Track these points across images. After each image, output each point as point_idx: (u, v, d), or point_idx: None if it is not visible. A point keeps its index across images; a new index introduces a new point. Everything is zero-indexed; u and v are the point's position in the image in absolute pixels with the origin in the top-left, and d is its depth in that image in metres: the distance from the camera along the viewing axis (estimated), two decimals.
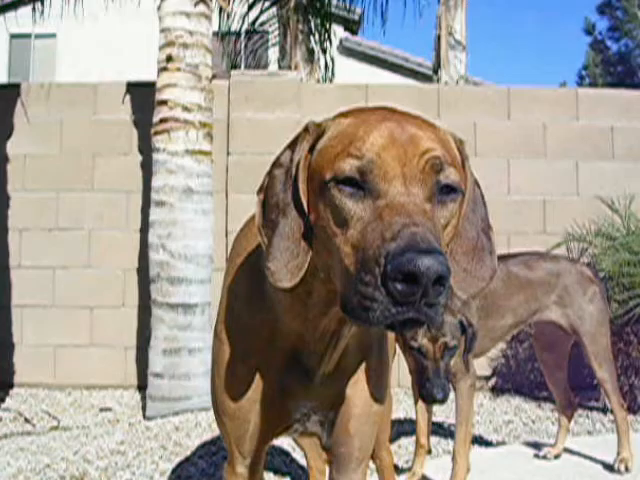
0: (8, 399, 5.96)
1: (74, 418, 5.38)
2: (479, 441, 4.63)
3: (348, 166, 1.38)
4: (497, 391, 6.42)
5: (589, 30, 24.66)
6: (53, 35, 16.72)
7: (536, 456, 4.22)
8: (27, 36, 16.68)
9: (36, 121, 6.71)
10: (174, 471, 3.95)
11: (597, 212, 6.17)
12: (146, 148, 6.06)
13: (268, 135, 6.36)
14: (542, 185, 6.71)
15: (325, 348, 1.70)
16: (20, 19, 8.38)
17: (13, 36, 16.56)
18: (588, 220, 6.13)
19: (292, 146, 1.58)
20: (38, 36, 16.75)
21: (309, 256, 1.51)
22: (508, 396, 6.25)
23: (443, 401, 2.95)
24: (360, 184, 1.37)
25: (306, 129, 1.55)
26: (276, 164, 1.61)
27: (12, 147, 6.59)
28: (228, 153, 6.39)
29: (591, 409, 5.56)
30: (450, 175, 1.40)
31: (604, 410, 5.42)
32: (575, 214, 6.31)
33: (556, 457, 4.17)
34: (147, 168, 6.04)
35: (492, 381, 6.55)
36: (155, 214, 5.49)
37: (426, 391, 2.91)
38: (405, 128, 1.44)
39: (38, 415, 5.49)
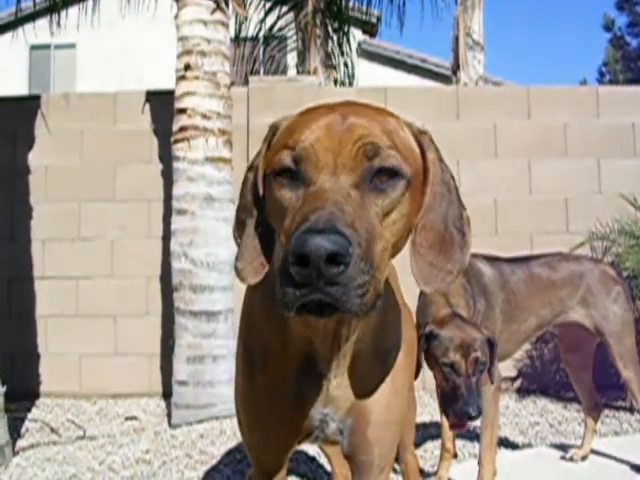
0: (34, 409, 5.99)
1: (100, 427, 5.40)
2: (505, 444, 4.61)
3: (284, 157, 1.44)
4: (523, 392, 6.38)
5: (608, 26, 24.51)
6: (73, 45, 16.84)
7: (563, 458, 4.19)
8: (47, 47, 16.81)
9: (57, 132, 6.75)
10: (199, 478, 3.96)
11: (620, 210, 6.11)
12: (166, 156, 6.07)
13: None
14: (564, 184, 6.66)
15: (330, 351, 1.69)
16: (39, 30, 8.41)
17: (33, 47, 16.68)
18: (611, 218, 6.08)
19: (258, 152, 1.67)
20: (58, 46, 16.88)
21: (262, 259, 1.59)
22: (534, 397, 6.21)
23: (476, 417, 2.93)
24: (295, 174, 1.43)
25: (269, 129, 1.64)
26: (249, 167, 1.69)
27: (34, 158, 6.61)
28: (248, 160, 6.40)
29: (618, 409, 5.52)
30: (387, 159, 1.41)
31: (631, 410, 5.38)
32: (598, 212, 6.26)
33: (583, 459, 4.14)
34: (168, 176, 6.06)
35: (518, 382, 6.51)
36: (176, 222, 5.50)
37: (460, 408, 2.89)
38: (347, 119, 1.46)
39: (64, 425, 5.51)
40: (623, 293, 3.91)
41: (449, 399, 2.95)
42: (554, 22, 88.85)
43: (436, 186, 1.55)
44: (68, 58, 17.33)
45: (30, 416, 5.70)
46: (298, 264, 1.22)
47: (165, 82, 7.26)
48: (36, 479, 4.14)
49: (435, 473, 3.81)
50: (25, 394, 6.14)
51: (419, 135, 1.58)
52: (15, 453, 4.62)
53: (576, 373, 4.18)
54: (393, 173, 1.42)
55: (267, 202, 1.56)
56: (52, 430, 5.33)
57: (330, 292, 1.23)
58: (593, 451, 4.22)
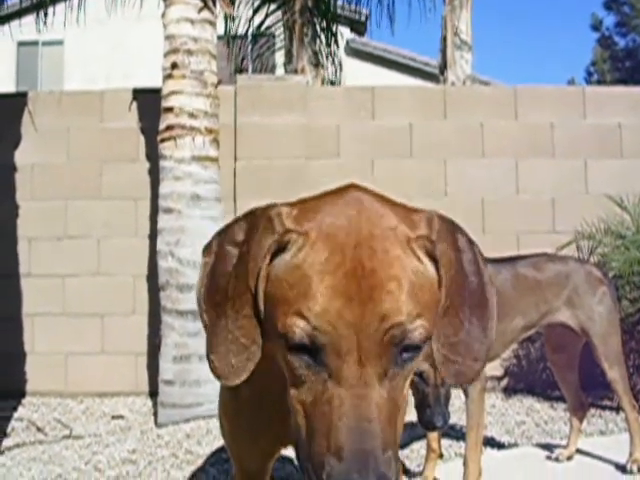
0: (20, 408, 5.97)
1: (86, 426, 5.39)
2: (491, 443, 4.62)
3: (298, 330, 1.26)
4: (509, 391, 6.39)
5: (596, 26, 24.67)
6: (60, 42, 16.79)
7: (548, 458, 4.19)
8: (34, 43, 16.74)
9: (43, 130, 6.71)
10: (185, 478, 3.96)
11: (606, 210, 6.14)
12: (153, 155, 6.07)
13: (275, 139, 6.37)
14: (551, 184, 6.68)
15: None
16: (25, 27, 8.38)
17: (20, 44, 16.61)
18: (597, 219, 6.11)
19: (250, 231, 1.44)
20: (45, 43, 16.83)
21: (257, 357, 1.41)
22: (520, 396, 6.23)
23: (442, 427, 2.96)
24: (313, 351, 1.27)
25: (270, 220, 1.39)
26: (227, 238, 1.49)
27: (20, 156, 6.59)
28: (235, 159, 6.40)
29: (604, 408, 5.54)
30: (415, 336, 1.28)
31: (617, 409, 5.39)
32: (584, 213, 6.28)
33: (568, 459, 4.15)
34: (155, 175, 6.04)
35: (504, 382, 6.53)
36: (163, 221, 5.49)
37: (426, 418, 2.91)
38: (365, 271, 1.28)
39: (50, 424, 5.49)
40: (609, 294, 3.92)
41: (417, 406, 2.97)
42: (543, 22, 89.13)
43: (454, 281, 1.41)
44: (56, 55, 17.28)
45: (16, 415, 5.70)
46: None
47: (153, 80, 7.25)
48: (22, 479, 4.13)
49: (421, 473, 3.82)
50: (11, 393, 6.13)
51: (431, 250, 1.38)
52: (0, 452, 4.62)
53: (562, 373, 4.20)
54: (419, 345, 1.30)
55: (272, 339, 1.37)
56: (38, 429, 5.32)
57: None
58: (579, 451, 4.23)
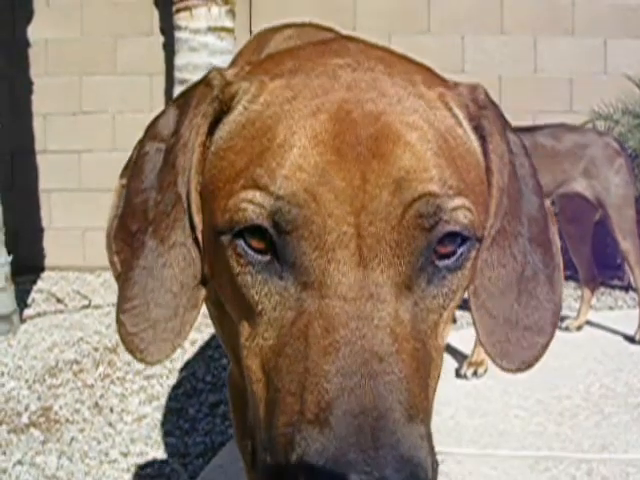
0: (39, 281, 6.07)
1: (105, 297, 5.49)
2: None
3: (251, 207, 0.82)
4: None
5: None
6: None
7: (559, 328, 4.27)
8: None
9: (56, 5, 6.61)
10: (204, 339, 4.09)
11: (625, 91, 6.06)
12: (168, 28, 5.99)
13: (292, 9, 6.26)
14: (569, 63, 6.57)
15: None
16: None
17: None
18: (615, 99, 6.03)
19: (182, 107, 1.01)
20: None
21: (196, 313, 0.99)
22: None
23: None
24: (276, 246, 0.84)
25: (208, 84, 0.98)
26: (151, 133, 1.05)
27: (33, 32, 6.50)
28: (251, 30, 6.32)
29: (613, 287, 5.60)
30: (454, 219, 0.84)
31: (627, 288, 5.46)
32: (602, 93, 6.19)
33: (578, 329, 4.25)
34: (169, 49, 5.98)
35: None
36: (178, 93, 5.44)
37: None
38: (367, 114, 0.87)
39: (69, 295, 5.60)
40: (625, 166, 3.93)
41: None
42: None
43: (507, 193, 0.99)
44: None
45: (35, 288, 5.79)
46: None
47: None
48: (44, 343, 4.26)
49: None
50: (29, 268, 6.19)
51: (476, 116, 0.98)
52: (22, 321, 4.73)
53: (575, 245, 4.24)
54: (461, 238, 0.87)
55: (211, 254, 0.95)
56: (58, 300, 5.43)
57: None
58: (588, 322, 4.32)
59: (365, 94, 0.89)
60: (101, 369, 3.80)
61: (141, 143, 1.05)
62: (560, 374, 3.42)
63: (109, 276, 6.26)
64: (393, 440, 0.71)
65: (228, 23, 5.48)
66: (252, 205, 0.82)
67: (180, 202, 0.96)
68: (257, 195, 0.82)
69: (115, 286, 1.00)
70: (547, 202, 1.07)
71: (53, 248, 6.62)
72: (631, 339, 4.01)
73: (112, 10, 6.59)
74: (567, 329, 4.23)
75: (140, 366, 3.79)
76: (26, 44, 6.47)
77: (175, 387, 3.60)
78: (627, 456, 2.66)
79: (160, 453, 2.93)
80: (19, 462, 2.87)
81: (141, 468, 2.82)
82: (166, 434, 3.08)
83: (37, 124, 6.59)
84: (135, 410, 3.33)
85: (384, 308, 0.80)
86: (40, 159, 6.55)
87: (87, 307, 5.18)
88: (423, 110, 0.90)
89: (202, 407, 3.34)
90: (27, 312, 4.99)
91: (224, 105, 0.94)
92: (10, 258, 4.60)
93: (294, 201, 0.80)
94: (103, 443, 3.01)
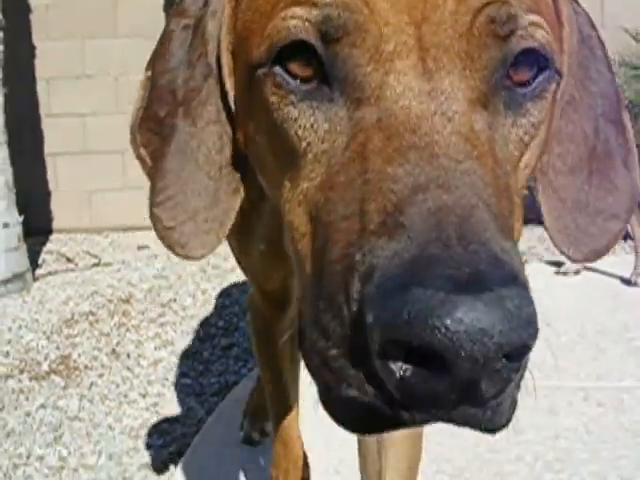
0: (49, 243, 6.17)
1: (114, 256, 5.60)
2: None
3: (294, 23, 0.72)
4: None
5: None
6: None
7: (557, 273, 4.40)
8: None
9: None
10: (214, 289, 4.21)
11: (622, 43, 6.14)
12: None
13: None
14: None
15: None
16: None
17: None
18: (613, 51, 6.11)
19: None
20: None
21: (238, 198, 0.91)
22: (532, 226, 6.39)
23: None
24: (323, 67, 0.72)
25: None
26: (178, 11, 0.96)
27: None
28: None
29: None
30: (531, 33, 0.73)
31: (625, 237, 5.57)
32: None
33: (576, 273, 4.36)
34: (169, 9, 6.03)
35: None
36: None
37: None
38: None
39: (79, 255, 5.70)
40: None
41: None
42: None
43: (576, 59, 0.89)
44: None
45: (45, 249, 5.90)
46: (419, 363, 0.55)
47: None
48: (58, 298, 4.39)
49: None
50: (37, 230, 6.30)
51: None
52: (35, 279, 4.86)
53: None
54: (540, 61, 0.75)
55: (246, 112, 0.85)
56: (68, 260, 5.54)
57: (474, 415, 0.59)
58: (586, 267, 4.43)
59: None
60: (116, 319, 3.94)
61: (167, 27, 0.95)
62: (557, 313, 3.55)
63: (117, 236, 6.39)
64: (484, 238, 0.58)
65: None
66: (294, 20, 0.72)
67: (212, 74, 0.88)
68: (299, 9, 0.72)
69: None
70: (617, 80, 0.93)
71: (60, 210, 6.71)
72: (627, 281, 4.13)
73: None
74: (565, 274, 4.34)
75: (154, 314, 3.94)
76: (27, 9, 6.53)
77: (188, 333, 3.74)
78: (622, 384, 2.80)
79: (177, 393, 3.07)
80: (42, 406, 3.01)
81: (160, 407, 2.96)
82: (182, 376, 3.23)
83: (41, 88, 6.66)
84: (151, 355, 3.48)
85: (457, 119, 0.67)
86: (45, 123, 6.63)
87: (97, 265, 5.29)
88: None
89: (215, 350, 3.49)
90: (39, 272, 5.10)
91: None
92: (21, 219, 4.73)
93: (343, 5, 0.69)
94: (122, 386, 3.15)
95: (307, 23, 0.71)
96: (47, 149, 6.62)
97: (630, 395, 2.69)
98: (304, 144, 0.74)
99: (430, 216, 0.58)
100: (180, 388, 3.10)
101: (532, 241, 5.74)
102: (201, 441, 2.56)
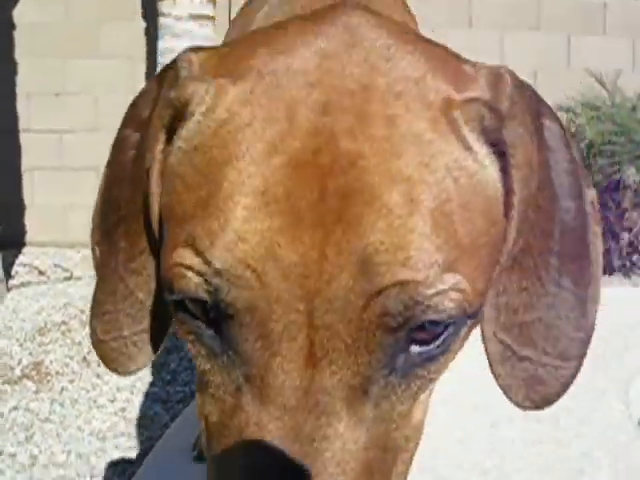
0: (21, 256, 6.27)
1: (85, 271, 5.71)
2: None
3: (189, 275, 0.69)
4: None
5: None
6: None
7: None
8: None
9: None
10: None
11: (586, 86, 6.38)
12: (150, 14, 6.24)
13: None
14: (534, 57, 6.89)
15: None
16: None
17: None
18: (576, 92, 6.35)
19: (156, 98, 0.86)
20: None
21: (168, 325, 0.89)
22: None
23: None
24: (218, 319, 0.71)
25: (176, 71, 0.82)
26: (130, 115, 0.95)
27: (18, 15, 6.70)
28: (230, 17, 6.53)
29: None
30: (440, 309, 0.68)
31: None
32: (565, 87, 6.51)
33: None
34: (151, 34, 6.23)
35: None
36: None
37: None
38: (338, 158, 0.68)
39: (51, 268, 5.81)
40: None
41: None
42: None
43: (531, 208, 0.80)
44: None
45: (18, 262, 6.00)
46: None
47: None
48: (31, 308, 4.51)
49: None
50: (11, 243, 6.39)
51: (496, 129, 0.76)
52: (8, 290, 4.97)
53: None
54: (447, 324, 0.71)
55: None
56: (40, 272, 5.64)
57: None
58: None
59: (344, 120, 0.69)
60: (87, 329, 4.04)
61: (122, 124, 0.95)
62: None
63: (88, 252, 6.46)
64: None
65: (209, 11, 5.74)
66: (192, 272, 0.69)
67: (148, 205, 0.83)
68: (197, 262, 0.68)
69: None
70: (592, 194, 0.87)
71: (34, 224, 6.81)
72: None
73: None
74: None
75: None
76: (11, 26, 6.66)
77: None
78: None
79: (144, 400, 3.22)
80: (15, 408, 3.15)
81: (127, 412, 3.11)
82: (149, 384, 3.38)
83: (21, 104, 6.79)
84: None
85: (330, 423, 0.67)
86: (23, 138, 6.75)
87: (69, 279, 5.41)
88: (417, 145, 0.69)
89: (182, 361, 3.65)
90: (12, 282, 5.21)
91: (179, 112, 0.78)
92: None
93: (233, 279, 0.66)
94: (91, 392, 3.30)
95: (202, 283, 0.69)
96: (25, 163, 6.73)
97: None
98: (205, 378, 0.75)
99: None
100: (147, 395, 3.26)
101: None
102: (164, 444, 2.71)
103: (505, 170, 0.76)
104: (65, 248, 6.61)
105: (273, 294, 0.66)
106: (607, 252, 5.84)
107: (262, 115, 0.70)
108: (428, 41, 0.83)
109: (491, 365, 0.83)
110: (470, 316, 0.72)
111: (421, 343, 0.71)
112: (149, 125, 0.83)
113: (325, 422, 0.66)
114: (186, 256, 0.69)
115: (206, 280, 0.68)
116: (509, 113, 0.77)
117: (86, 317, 4.25)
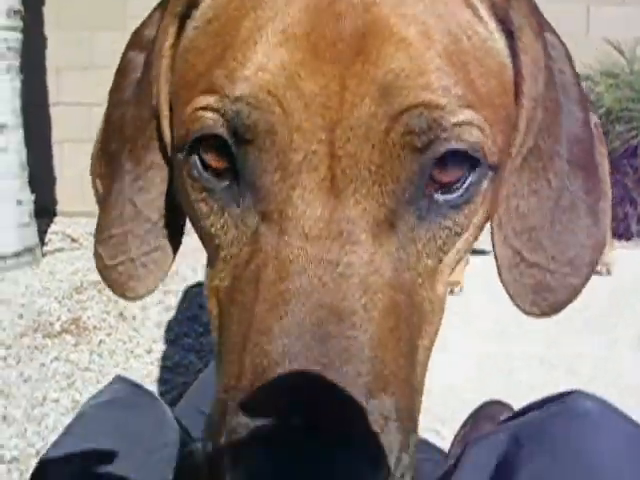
0: (53, 225, 6.44)
1: None
2: None
3: (208, 115, 0.70)
4: None
5: None
6: None
7: None
8: None
9: None
10: None
11: (605, 55, 6.47)
12: None
13: None
14: (553, 26, 6.96)
15: None
16: None
17: None
18: (595, 60, 6.44)
19: (164, 6, 0.88)
20: None
21: (178, 243, 0.90)
22: None
23: None
24: (234, 159, 0.71)
25: None
26: (135, 39, 0.96)
27: None
28: None
29: None
30: (461, 135, 0.68)
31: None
32: (584, 56, 6.58)
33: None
34: None
35: None
36: None
37: None
38: (355, 6, 0.69)
39: (83, 236, 6.00)
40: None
41: None
42: None
43: (542, 105, 0.81)
44: None
45: (50, 230, 6.18)
46: None
47: None
48: (66, 270, 4.68)
49: None
50: (44, 213, 6.58)
51: (503, 7, 0.79)
52: (43, 255, 5.17)
53: None
54: (470, 160, 0.72)
55: (175, 181, 0.84)
56: (72, 240, 5.83)
57: None
58: None
59: None
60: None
61: (124, 52, 0.96)
62: None
63: None
64: (346, 426, 0.58)
65: None
66: (208, 111, 0.69)
67: (154, 117, 0.85)
68: (213, 100, 0.69)
69: None
70: (594, 118, 0.88)
71: (65, 196, 6.98)
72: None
73: None
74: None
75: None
76: (39, 2, 6.81)
77: (189, 299, 4.07)
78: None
79: (179, 350, 3.40)
80: (56, 358, 3.31)
81: (163, 360, 3.28)
82: (183, 335, 3.55)
83: (50, 78, 6.97)
84: (155, 317, 3.80)
85: (355, 250, 0.66)
86: (53, 111, 6.92)
87: None
88: (432, 2, 0.71)
89: None
90: (46, 249, 5.41)
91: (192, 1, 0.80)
92: (33, 197, 5.04)
93: (254, 103, 0.66)
94: (128, 344, 3.47)
95: (220, 117, 0.69)
96: (55, 136, 6.90)
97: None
98: (217, 241, 0.74)
99: (293, 402, 0.59)
100: (182, 346, 3.43)
101: None
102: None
103: (513, 53, 0.79)
104: (95, 217, 6.74)
105: (294, 122, 0.66)
106: (625, 217, 5.94)
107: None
108: None
109: (500, 271, 0.83)
110: (491, 167, 0.73)
111: (444, 190, 0.71)
112: (158, 39, 0.85)
113: (350, 249, 0.65)
114: (202, 101, 0.70)
115: (224, 112, 0.68)
116: (515, 5, 0.80)
117: None
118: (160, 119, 0.83)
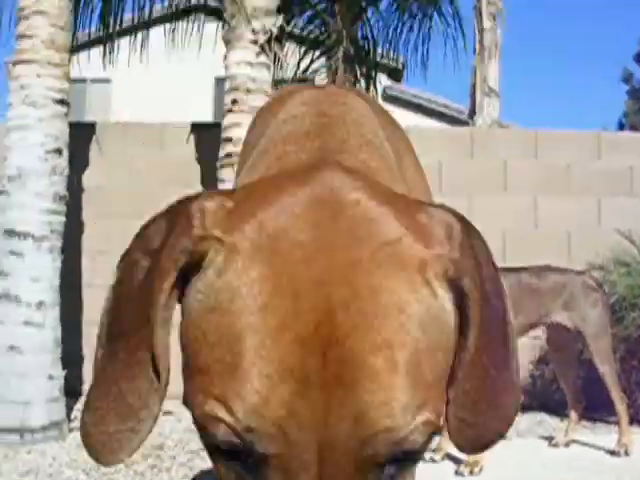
0: (78, 404, 6.54)
1: None
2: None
3: (223, 428, 0.83)
4: (525, 409, 6.74)
5: (627, 79, 25.35)
6: (108, 80, 17.37)
7: (549, 445, 4.92)
8: (82, 81, 17.35)
9: (108, 156, 7.47)
10: None
11: (616, 244, 6.74)
12: (206, 181, 6.85)
13: None
14: (567, 219, 7.36)
15: None
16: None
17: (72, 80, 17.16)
18: (608, 249, 6.68)
19: (167, 233, 0.95)
20: (94, 81, 17.43)
21: (146, 431, 0.96)
22: (534, 413, 6.62)
23: None
24: (246, 459, 0.85)
25: (188, 217, 0.92)
26: (140, 242, 1.01)
27: (87, 179, 7.32)
28: None
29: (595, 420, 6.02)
30: (413, 443, 0.84)
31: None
32: (597, 246, 6.86)
33: (566, 445, 4.83)
34: None
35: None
36: None
37: None
38: (335, 331, 0.82)
39: None
40: (601, 300, 4.64)
41: None
42: (575, 76, 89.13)
43: (482, 328, 0.95)
44: (104, 90, 17.90)
45: (76, 407, 6.29)
46: None
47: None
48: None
49: (436, 446, 4.50)
50: (71, 392, 6.72)
51: (456, 277, 0.92)
52: (70, 430, 5.29)
53: (562, 369, 4.92)
54: (417, 452, 0.88)
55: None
56: None
57: None
58: (574, 441, 4.89)
59: (338, 295, 0.83)
60: (149, 461, 4.36)
61: (131, 247, 1.01)
62: None
63: None
64: None
65: None
66: (224, 427, 0.82)
67: (149, 325, 0.92)
68: (227, 417, 0.81)
69: None
70: (504, 283, 1.05)
71: (90, 375, 7.09)
72: (612, 452, 4.62)
73: (157, 163, 7.45)
74: (556, 445, 4.85)
75: (184, 459, 4.34)
76: (81, 190, 7.23)
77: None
78: None
79: None
80: None
81: None
82: None
83: (85, 261, 7.31)
84: None
85: None
86: (85, 293, 7.21)
87: None
88: (398, 310, 0.84)
89: None
90: (72, 425, 5.49)
91: (194, 261, 0.89)
92: (64, 373, 5.23)
93: (263, 436, 0.80)
94: None
95: (232, 433, 0.81)
96: (85, 317, 7.13)
97: None
98: None
99: None
100: None
101: (531, 424, 6.09)
102: None
103: (461, 304, 0.92)
104: None
105: (292, 438, 0.80)
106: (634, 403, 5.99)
107: (270, 289, 0.83)
108: (394, 195, 0.97)
109: (450, 434, 0.96)
110: (433, 437, 0.88)
111: (395, 464, 0.86)
112: (159, 258, 0.92)
113: None
114: (219, 411, 0.82)
115: (239, 434, 0.81)
116: (461, 257, 0.92)
117: (147, 450, 4.54)
118: (153, 342, 0.91)
